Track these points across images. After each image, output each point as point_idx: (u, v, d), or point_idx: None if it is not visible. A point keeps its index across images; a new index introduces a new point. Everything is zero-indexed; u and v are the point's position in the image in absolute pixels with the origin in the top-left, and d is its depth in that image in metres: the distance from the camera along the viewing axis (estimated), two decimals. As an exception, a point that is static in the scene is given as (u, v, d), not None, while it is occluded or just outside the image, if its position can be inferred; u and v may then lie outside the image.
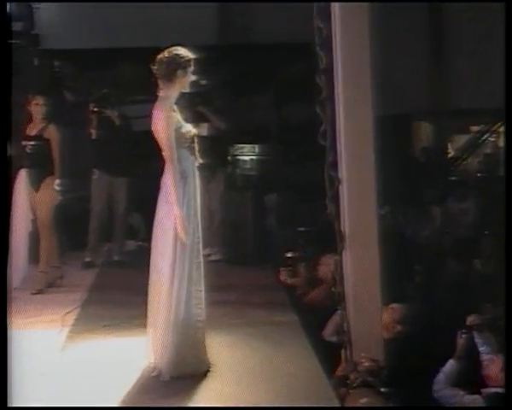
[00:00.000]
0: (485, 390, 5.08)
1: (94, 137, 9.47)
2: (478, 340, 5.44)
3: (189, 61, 5.49)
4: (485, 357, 5.34)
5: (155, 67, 5.45)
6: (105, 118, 9.43)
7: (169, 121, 5.35)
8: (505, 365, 4.51)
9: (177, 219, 5.29)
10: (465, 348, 5.39)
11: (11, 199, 7.43)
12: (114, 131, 9.43)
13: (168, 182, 5.36)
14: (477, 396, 5.03)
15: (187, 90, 5.56)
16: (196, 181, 5.47)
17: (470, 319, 5.64)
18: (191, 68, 5.50)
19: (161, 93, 5.46)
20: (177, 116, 5.44)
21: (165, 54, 5.46)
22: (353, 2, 5.67)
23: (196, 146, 5.46)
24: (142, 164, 9.83)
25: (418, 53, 12.11)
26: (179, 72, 5.44)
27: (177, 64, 5.43)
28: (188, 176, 5.40)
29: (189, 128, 5.48)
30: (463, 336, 5.46)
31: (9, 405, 4.42)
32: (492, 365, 5.20)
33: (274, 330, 6.52)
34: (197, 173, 5.48)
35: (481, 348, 5.38)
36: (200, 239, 5.48)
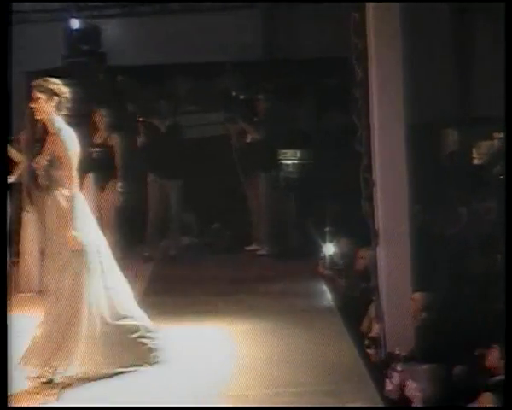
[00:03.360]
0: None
1: (141, 144, 9.64)
2: None
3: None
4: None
5: None
6: (153, 127, 9.58)
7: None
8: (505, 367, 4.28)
9: None
10: None
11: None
12: (163, 139, 9.55)
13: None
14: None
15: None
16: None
17: None
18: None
19: None
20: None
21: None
22: (385, 1, 5.61)
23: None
24: (194, 168, 9.86)
25: (445, 65, 11.99)
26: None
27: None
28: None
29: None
30: None
31: (9, 405, 4.34)
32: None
33: (313, 317, 6.51)
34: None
35: None
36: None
